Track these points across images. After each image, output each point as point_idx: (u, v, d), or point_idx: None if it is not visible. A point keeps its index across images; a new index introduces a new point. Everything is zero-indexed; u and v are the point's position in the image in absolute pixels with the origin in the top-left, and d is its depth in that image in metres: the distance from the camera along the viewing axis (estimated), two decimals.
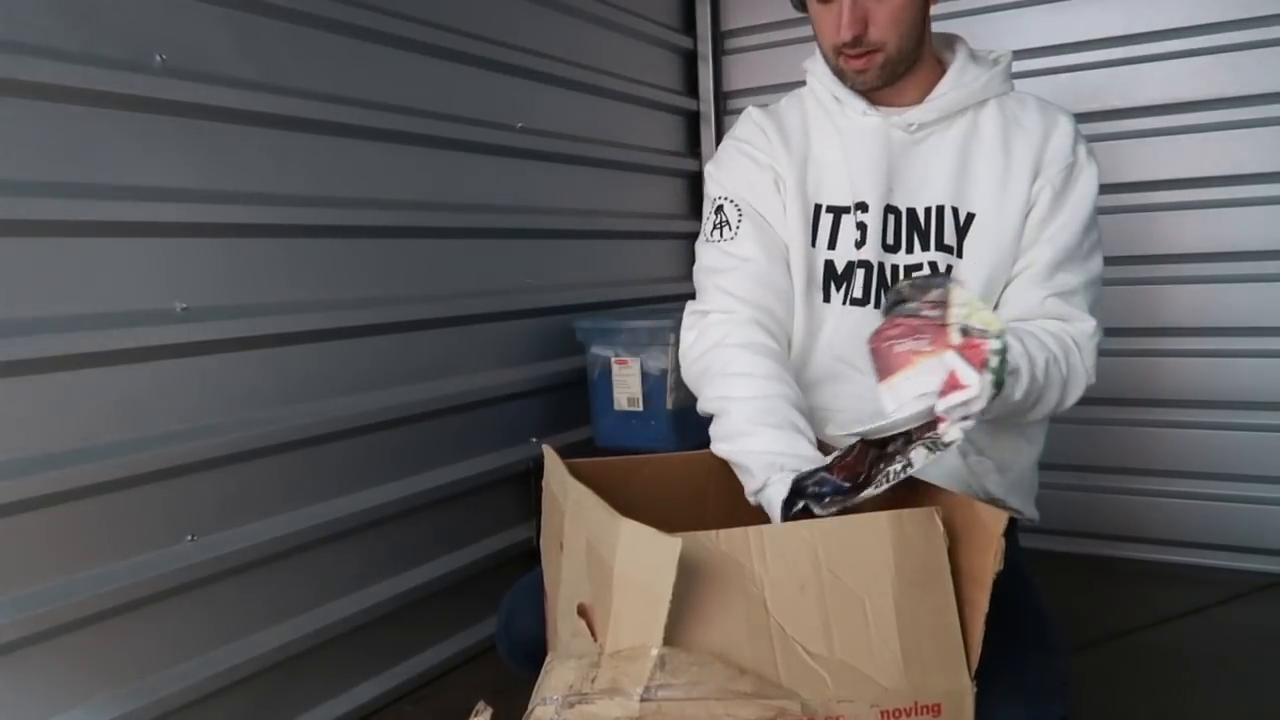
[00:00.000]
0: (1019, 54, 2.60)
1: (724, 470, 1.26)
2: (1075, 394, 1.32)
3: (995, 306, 1.36)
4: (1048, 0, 2.66)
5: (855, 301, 1.38)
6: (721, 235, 1.43)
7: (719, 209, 1.45)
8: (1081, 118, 2.58)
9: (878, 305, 1.36)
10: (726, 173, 1.47)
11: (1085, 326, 1.33)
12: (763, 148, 1.44)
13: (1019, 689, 1.00)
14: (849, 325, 1.37)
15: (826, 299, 1.40)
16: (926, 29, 1.36)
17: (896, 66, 1.33)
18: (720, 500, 1.28)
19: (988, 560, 0.89)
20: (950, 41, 1.43)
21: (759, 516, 1.17)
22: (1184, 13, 2.51)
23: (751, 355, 1.31)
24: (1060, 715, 1.05)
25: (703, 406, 1.35)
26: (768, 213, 1.42)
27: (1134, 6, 2.57)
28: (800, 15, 1.41)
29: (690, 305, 1.45)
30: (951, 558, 0.93)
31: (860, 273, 1.38)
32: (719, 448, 1.26)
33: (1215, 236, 2.54)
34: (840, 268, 1.39)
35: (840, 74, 1.37)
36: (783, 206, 1.41)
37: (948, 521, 0.94)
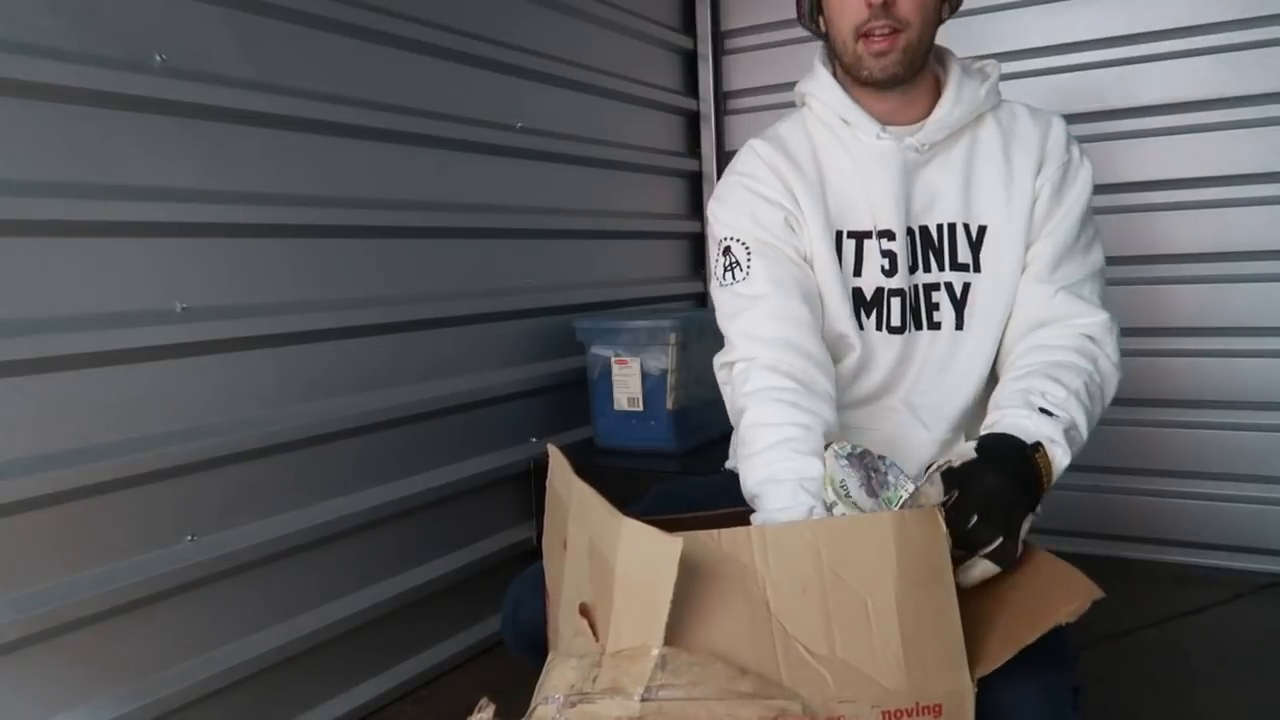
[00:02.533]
0: (1019, 54, 2.63)
1: None
2: (1112, 391, 1.34)
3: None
4: (1048, 0, 2.66)
5: (894, 330, 1.37)
6: (734, 277, 1.37)
7: (726, 250, 1.39)
8: (1081, 118, 2.60)
9: (904, 329, 1.36)
10: (730, 211, 1.41)
11: (1100, 319, 1.33)
12: (769, 182, 1.38)
13: (1030, 662, 0.99)
14: (894, 353, 1.37)
15: (860, 326, 1.37)
16: (935, 30, 1.35)
17: (915, 57, 1.31)
18: None
19: (1057, 614, 0.93)
20: (941, 55, 1.40)
21: None
22: (1184, 13, 2.51)
23: (762, 404, 1.28)
24: (1073, 686, 1.05)
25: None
26: (779, 245, 1.37)
27: (1134, 6, 2.56)
28: (803, 27, 1.41)
29: (717, 358, 1.41)
30: (1009, 596, 0.99)
31: (895, 301, 1.36)
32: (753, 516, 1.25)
33: (1215, 236, 2.54)
34: (869, 294, 1.37)
35: (857, 64, 1.31)
36: (796, 243, 1.37)
37: (1029, 572, 1.02)
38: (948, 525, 1.01)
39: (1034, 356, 1.31)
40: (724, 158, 3.13)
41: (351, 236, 1.98)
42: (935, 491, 1.06)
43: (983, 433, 1.20)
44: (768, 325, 1.32)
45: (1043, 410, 1.20)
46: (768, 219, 1.37)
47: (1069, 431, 1.19)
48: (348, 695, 1.97)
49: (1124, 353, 1.36)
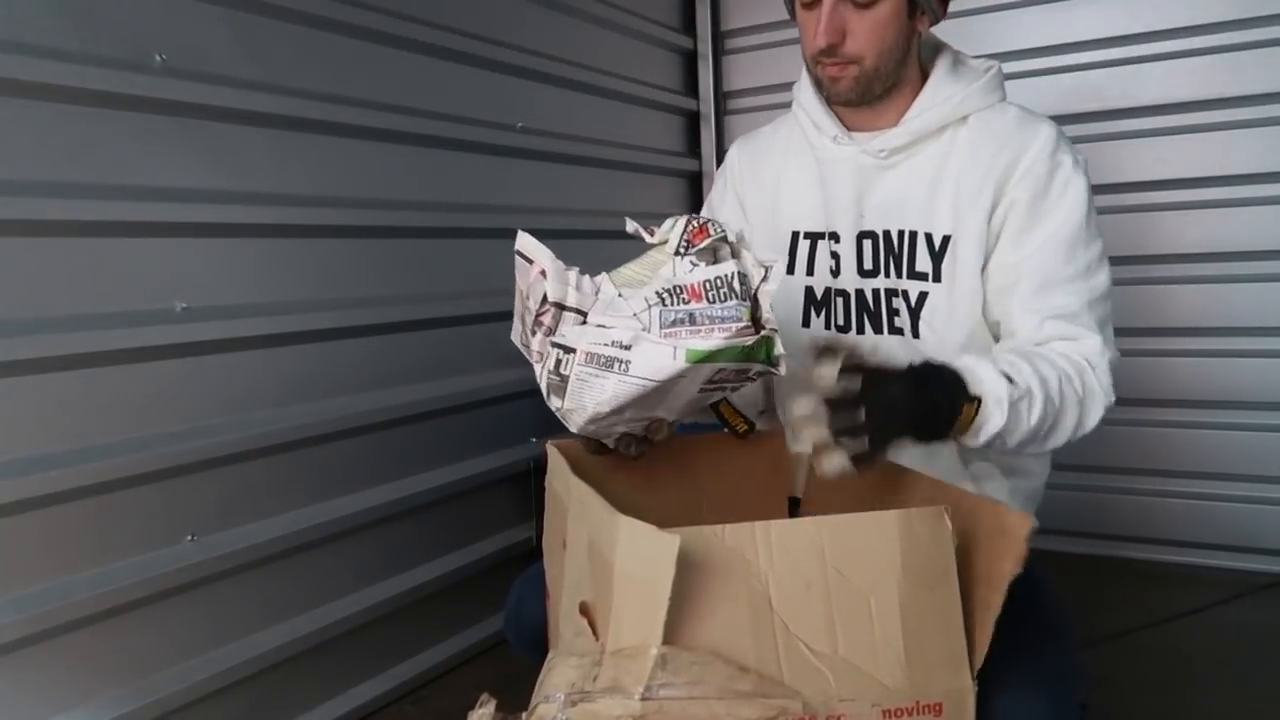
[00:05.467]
0: (1019, 54, 2.63)
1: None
2: (1095, 414, 1.22)
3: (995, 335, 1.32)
4: (1048, 0, 2.66)
5: (840, 329, 1.39)
6: None
7: None
8: (1082, 118, 2.60)
9: (861, 330, 1.37)
10: (706, 210, 1.57)
11: (1093, 342, 1.24)
12: (723, 197, 1.52)
13: (1038, 675, 0.99)
14: None
15: (806, 324, 1.41)
16: (912, 48, 1.32)
17: (873, 84, 1.29)
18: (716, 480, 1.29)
19: (1005, 565, 0.88)
20: (935, 51, 1.38)
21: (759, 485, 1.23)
22: (1184, 13, 2.51)
23: None
24: (1081, 703, 1.03)
25: None
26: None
27: (1134, 6, 2.57)
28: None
29: None
30: (965, 557, 0.92)
31: (839, 300, 1.39)
32: None
33: (1215, 236, 2.55)
34: (819, 294, 1.40)
35: (818, 83, 1.35)
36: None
37: (966, 522, 0.93)
38: (830, 407, 0.96)
39: (1020, 349, 1.23)
40: (723, 158, 3.13)
41: (351, 236, 1.98)
42: (828, 373, 0.98)
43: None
44: None
45: (1004, 374, 1.11)
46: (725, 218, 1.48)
47: (1018, 403, 1.10)
48: (347, 696, 1.97)
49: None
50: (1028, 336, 1.27)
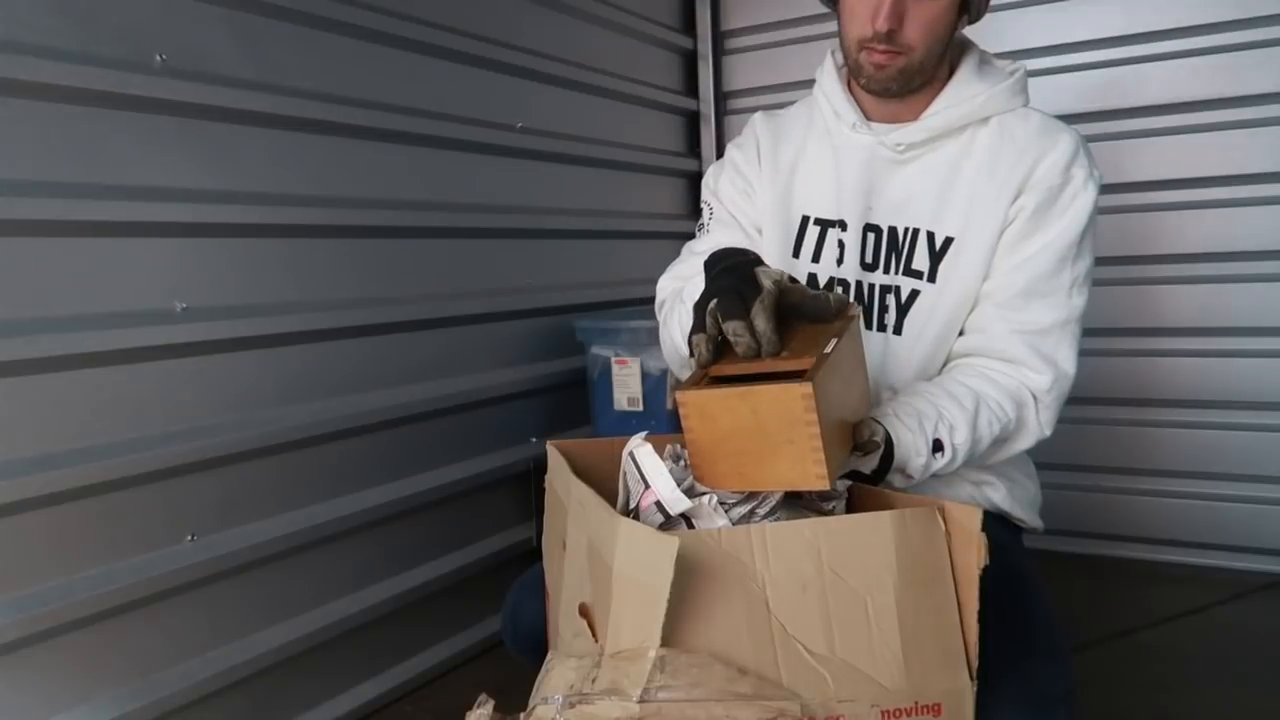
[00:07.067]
0: (1020, 54, 2.62)
1: None
2: (1023, 446, 1.30)
3: (961, 331, 1.33)
4: (1048, 0, 2.66)
5: None
6: (696, 235, 1.51)
7: (701, 210, 1.52)
8: (1082, 118, 2.60)
9: (866, 329, 1.36)
10: (714, 175, 1.53)
11: (1046, 380, 1.26)
12: (748, 158, 1.47)
13: (1026, 696, 1.00)
14: None
15: None
16: (950, 45, 1.32)
17: (914, 76, 1.29)
18: None
19: (971, 558, 0.89)
20: (962, 49, 1.38)
21: None
22: (1184, 13, 2.51)
23: (676, 299, 1.39)
24: None
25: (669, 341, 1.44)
26: (740, 216, 1.46)
27: (1134, 7, 2.57)
28: (814, 13, 1.39)
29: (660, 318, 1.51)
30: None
31: (839, 290, 1.37)
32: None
33: (1215, 236, 2.55)
34: (822, 281, 1.38)
35: (856, 69, 1.31)
36: (752, 214, 1.45)
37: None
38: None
39: (971, 378, 1.27)
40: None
41: (351, 236, 1.98)
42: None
43: (885, 415, 1.15)
44: (694, 269, 1.31)
45: (936, 443, 1.16)
46: (729, 188, 1.48)
47: (938, 467, 1.17)
48: (348, 695, 1.97)
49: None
50: (991, 343, 1.29)
